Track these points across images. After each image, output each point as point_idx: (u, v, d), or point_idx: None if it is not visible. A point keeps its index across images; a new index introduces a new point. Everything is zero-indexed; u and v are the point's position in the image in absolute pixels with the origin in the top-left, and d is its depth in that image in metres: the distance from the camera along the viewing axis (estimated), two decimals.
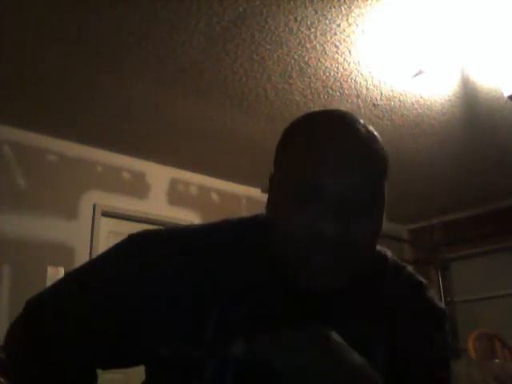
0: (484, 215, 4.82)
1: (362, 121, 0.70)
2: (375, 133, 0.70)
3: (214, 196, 4.24)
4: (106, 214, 3.62)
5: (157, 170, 3.94)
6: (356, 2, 2.24)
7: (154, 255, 0.71)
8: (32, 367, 0.74)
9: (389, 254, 0.81)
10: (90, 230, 3.51)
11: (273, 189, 0.72)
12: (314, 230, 0.64)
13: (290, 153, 0.70)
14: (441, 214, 5.10)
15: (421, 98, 3.06)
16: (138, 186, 3.83)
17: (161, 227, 0.81)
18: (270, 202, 0.71)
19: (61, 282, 0.76)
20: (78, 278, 0.75)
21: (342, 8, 2.27)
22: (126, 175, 3.79)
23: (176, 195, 4.02)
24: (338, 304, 0.71)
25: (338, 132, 0.68)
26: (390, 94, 3.01)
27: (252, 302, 0.68)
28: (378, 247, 0.80)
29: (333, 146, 0.67)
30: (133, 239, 0.74)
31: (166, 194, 3.97)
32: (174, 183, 4.03)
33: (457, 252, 5.04)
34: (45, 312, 0.73)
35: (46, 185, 3.39)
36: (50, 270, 3.23)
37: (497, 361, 3.06)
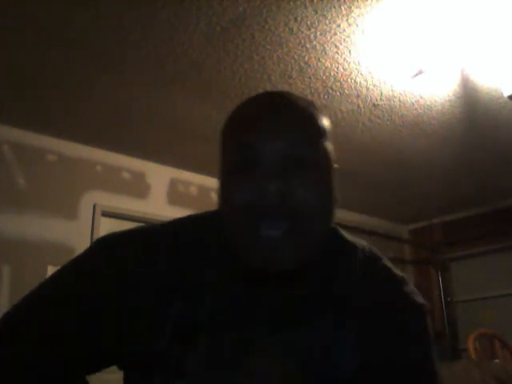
0: (484, 215, 4.82)
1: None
2: (312, 100, 0.71)
3: (214, 196, 4.24)
4: (105, 214, 3.61)
5: (157, 170, 3.94)
6: (356, 2, 2.24)
7: (118, 258, 0.71)
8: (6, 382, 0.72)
9: (364, 244, 0.75)
10: (90, 230, 3.50)
11: (218, 173, 0.69)
12: (256, 194, 0.62)
13: (226, 131, 0.71)
14: (441, 213, 5.10)
15: (421, 98, 3.06)
16: (138, 186, 3.83)
17: None
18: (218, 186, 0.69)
19: (27, 297, 0.75)
20: (42, 292, 0.74)
21: (342, 8, 2.27)
22: (126, 175, 3.79)
23: (176, 195, 4.02)
24: (302, 300, 0.68)
25: (270, 99, 0.70)
26: (390, 93, 3.01)
27: (213, 295, 0.68)
28: (355, 238, 0.76)
29: (265, 109, 0.68)
30: (96, 245, 0.75)
31: (165, 194, 3.97)
32: (173, 183, 4.03)
33: (457, 252, 5.04)
34: (12, 328, 0.72)
35: (46, 185, 3.39)
36: (50, 270, 3.23)
37: (497, 361, 3.05)
